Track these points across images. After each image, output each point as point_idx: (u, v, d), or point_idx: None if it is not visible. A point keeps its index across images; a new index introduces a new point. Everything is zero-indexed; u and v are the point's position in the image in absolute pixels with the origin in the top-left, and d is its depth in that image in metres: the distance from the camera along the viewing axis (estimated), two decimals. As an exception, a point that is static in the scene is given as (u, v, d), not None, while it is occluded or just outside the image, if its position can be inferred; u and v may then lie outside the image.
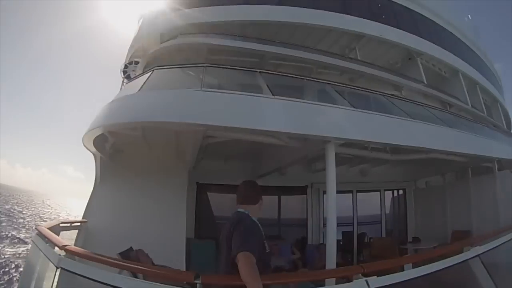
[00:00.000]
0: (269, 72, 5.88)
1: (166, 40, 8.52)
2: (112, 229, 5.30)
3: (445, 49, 10.82)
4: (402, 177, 8.45)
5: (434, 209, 7.87)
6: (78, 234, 5.37)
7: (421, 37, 10.17)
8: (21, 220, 34.89)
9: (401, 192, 8.61)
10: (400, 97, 7.67)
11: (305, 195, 7.96)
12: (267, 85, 4.73)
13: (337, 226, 7.97)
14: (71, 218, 6.09)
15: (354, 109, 4.90)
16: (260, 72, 5.32)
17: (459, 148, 5.77)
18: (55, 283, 2.51)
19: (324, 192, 7.87)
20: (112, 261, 2.63)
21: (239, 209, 2.33)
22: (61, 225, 4.81)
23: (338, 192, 7.98)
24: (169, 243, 5.29)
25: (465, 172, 7.60)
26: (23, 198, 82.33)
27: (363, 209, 8.27)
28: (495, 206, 6.22)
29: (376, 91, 6.48)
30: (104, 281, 2.23)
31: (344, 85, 6.25)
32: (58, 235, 4.44)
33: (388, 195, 8.56)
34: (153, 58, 8.29)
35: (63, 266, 2.50)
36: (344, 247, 7.66)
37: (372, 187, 8.38)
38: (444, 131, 5.83)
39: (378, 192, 8.38)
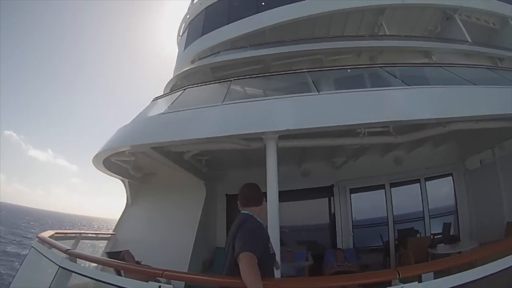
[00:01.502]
0: (242, 77, 5.82)
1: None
2: (135, 240, 6.09)
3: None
4: (447, 159, 7.12)
5: (488, 195, 6.43)
6: (107, 243, 6.36)
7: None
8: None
9: (447, 177, 7.16)
10: (425, 64, 6.60)
11: (332, 196, 7.34)
12: (225, 94, 4.84)
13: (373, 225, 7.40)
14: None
15: (315, 93, 4.38)
16: (234, 80, 5.38)
17: (494, 109, 4.43)
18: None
19: (352, 191, 7.29)
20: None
21: (243, 211, 2.33)
22: (83, 234, 5.91)
23: (365, 188, 7.38)
24: (177, 250, 5.79)
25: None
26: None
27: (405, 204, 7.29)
28: None
29: (371, 64, 5.60)
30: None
31: (323, 69, 5.61)
32: (78, 243, 5.56)
33: (432, 184, 7.23)
34: (175, 83, 8.62)
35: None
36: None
37: (409, 176, 7.21)
38: (468, 92, 4.66)
39: (418, 184, 7.17)
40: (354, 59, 7.77)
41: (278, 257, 3.45)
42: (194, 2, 10.49)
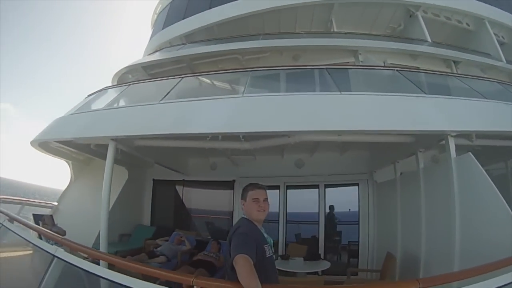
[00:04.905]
0: (138, 82, 6.39)
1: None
2: (70, 211, 7.13)
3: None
4: (353, 168, 6.71)
5: (389, 213, 5.79)
6: (50, 211, 7.49)
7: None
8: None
9: (352, 187, 6.77)
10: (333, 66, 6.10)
11: (233, 190, 7.49)
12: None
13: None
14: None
15: (155, 103, 4.73)
16: (132, 84, 6.13)
17: (366, 123, 3.93)
18: None
19: (250, 186, 7.42)
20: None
21: (242, 216, 2.36)
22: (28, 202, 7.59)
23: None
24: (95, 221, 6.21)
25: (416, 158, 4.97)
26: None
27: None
28: (449, 212, 3.82)
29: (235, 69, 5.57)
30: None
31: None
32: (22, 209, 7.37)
33: (334, 192, 6.99)
34: (122, 75, 9.03)
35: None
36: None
37: (307, 181, 7.02)
38: (316, 101, 4.26)
39: (317, 189, 6.94)
40: (276, 58, 7.56)
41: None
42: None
